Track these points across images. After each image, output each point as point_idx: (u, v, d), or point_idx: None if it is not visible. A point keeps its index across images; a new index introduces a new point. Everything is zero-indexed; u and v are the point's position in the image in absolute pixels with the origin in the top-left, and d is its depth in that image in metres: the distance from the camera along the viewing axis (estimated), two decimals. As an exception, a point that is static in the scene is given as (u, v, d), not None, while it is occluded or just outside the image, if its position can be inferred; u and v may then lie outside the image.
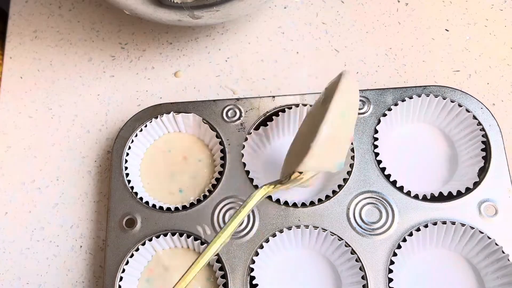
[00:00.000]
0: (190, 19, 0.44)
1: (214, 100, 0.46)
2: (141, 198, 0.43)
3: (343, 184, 0.42)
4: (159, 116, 0.45)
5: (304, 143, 0.35)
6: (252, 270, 0.40)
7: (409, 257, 0.41)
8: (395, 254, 0.40)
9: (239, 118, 0.45)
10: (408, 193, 0.42)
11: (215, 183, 0.43)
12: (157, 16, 0.44)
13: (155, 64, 0.53)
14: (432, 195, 0.42)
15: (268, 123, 0.45)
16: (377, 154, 0.43)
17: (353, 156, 0.43)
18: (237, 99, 0.46)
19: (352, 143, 0.43)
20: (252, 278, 0.40)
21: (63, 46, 0.55)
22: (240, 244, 0.41)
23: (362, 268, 0.39)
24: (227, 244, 0.41)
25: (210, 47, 0.53)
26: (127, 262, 0.41)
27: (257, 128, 0.45)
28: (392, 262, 0.40)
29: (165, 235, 0.42)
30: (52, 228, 0.46)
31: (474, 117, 0.43)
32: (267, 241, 0.41)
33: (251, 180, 0.43)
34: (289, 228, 0.41)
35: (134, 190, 0.43)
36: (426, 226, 0.40)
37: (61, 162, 0.49)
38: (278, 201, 0.42)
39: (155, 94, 0.51)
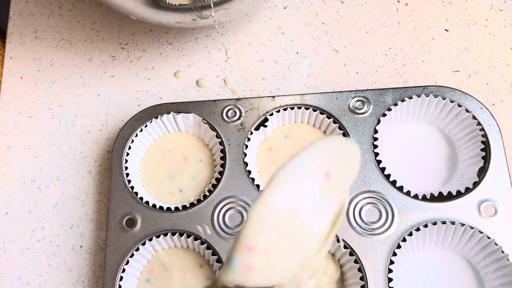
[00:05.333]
0: (190, 21, 0.44)
1: (214, 100, 0.46)
2: (141, 198, 0.43)
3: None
4: (159, 116, 0.46)
5: None
6: (252, 270, 0.40)
7: (408, 257, 0.41)
8: (394, 254, 0.40)
9: (239, 118, 0.45)
10: (407, 193, 0.42)
11: (215, 183, 0.43)
12: (156, 18, 0.44)
13: (155, 64, 0.53)
14: (432, 195, 0.42)
15: (266, 123, 0.45)
16: (376, 154, 0.43)
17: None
18: (237, 99, 0.46)
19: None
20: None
21: (63, 46, 0.55)
22: (240, 244, 0.41)
23: (361, 268, 0.39)
24: (226, 244, 0.41)
25: (210, 47, 0.53)
26: (127, 262, 0.41)
27: (257, 128, 0.45)
28: (391, 262, 0.40)
29: (165, 235, 0.42)
30: (52, 228, 0.47)
31: (474, 117, 0.43)
32: (267, 241, 0.41)
33: (252, 180, 0.43)
34: (289, 228, 0.41)
35: (134, 190, 0.43)
36: (425, 226, 0.40)
37: (61, 162, 0.49)
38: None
39: (155, 94, 0.51)
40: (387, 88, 0.45)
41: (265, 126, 0.45)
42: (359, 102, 0.45)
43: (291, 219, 0.24)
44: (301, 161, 0.25)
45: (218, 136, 0.45)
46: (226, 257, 0.25)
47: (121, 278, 0.41)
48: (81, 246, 0.46)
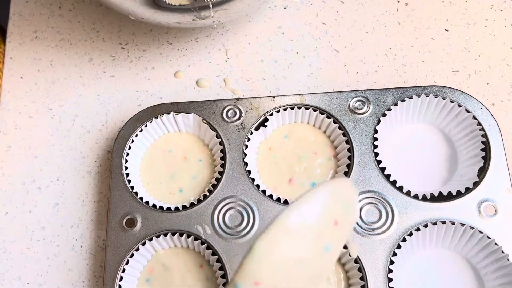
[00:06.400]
0: (189, 21, 0.44)
1: (214, 100, 0.46)
2: (141, 198, 0.43)
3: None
4: (159, 116, 0.46)
5: None
6: (252, 270, 0.40)
7: (408, 257, 0.41)
8: (394, 254, 0.40)
9: (239, 118, 0.45)
10: (407, 193, 0.42)
11: (215, 183, 0.43)
12: (156, 18, 0.44)
13: (155, 64, 0.53)
14: (432, 195, 0.42)
15: (266, 124, 0.45)
16: (376, 154, 0.43)
17: (351, 156, 0.43)
18: (237, 99, 0.46)
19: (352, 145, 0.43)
20: (252, 278, 0.40)
21: (63, 46, 0.55)
22: (239, 244, 0.41)
23: (361, 268, 0.39)
24: (226, 244, 0.41)
25: (210, 47, 0.53)
26: (127, 262, 0.41)
27: (257, 128, 0.45)
28: (392, 262, 0.40)
29: (165, 235, 0.42)
30: (53, 228, 0.47)
31: (474, 117, 0.43)
32: (267, 241, 0.41)
33: (252, 180, 0.43)
34: (289, 228, 0.41)
35: (134, 190, 0.43)
36: (426, 226, 0.40)
37: (61, 162, 0.49)
38: (278, 200, 0.42)
39: (155, 94, 0.51)
40: (387, 88, 0.45)
41: (265, 126, 0.45)
42: (359, 102, 0.45)
43: (298, 264, 0.24)
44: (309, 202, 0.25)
45: (218, 136, 0.45)
46: (231, 277, 0.25)
47: (121, 278, 0.41)
48: (81, 246, 0.46)
